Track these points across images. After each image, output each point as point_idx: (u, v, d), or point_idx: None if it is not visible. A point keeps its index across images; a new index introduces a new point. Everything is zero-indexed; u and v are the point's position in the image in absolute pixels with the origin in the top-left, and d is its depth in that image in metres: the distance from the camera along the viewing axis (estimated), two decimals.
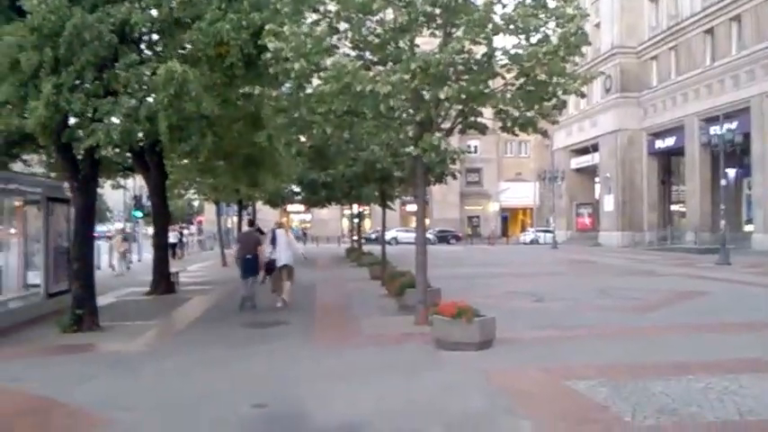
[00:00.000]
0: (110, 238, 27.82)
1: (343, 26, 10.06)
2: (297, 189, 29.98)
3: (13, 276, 12.26)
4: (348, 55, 10.04)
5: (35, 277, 12.72)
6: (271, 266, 13.41)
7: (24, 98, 9.04)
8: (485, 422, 5.67)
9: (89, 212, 11.05)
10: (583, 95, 11.01)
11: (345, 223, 55.32)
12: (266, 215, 36.57)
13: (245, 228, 18.13)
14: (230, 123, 11.09)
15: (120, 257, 23.17)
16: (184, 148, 10.94)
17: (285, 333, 10.43)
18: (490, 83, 10.45)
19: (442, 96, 9.39)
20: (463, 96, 9.63)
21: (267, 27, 9.15)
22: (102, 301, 11.46)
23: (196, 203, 44.24)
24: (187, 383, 7.29)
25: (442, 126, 10.66)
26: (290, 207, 47.19)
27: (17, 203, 12.28)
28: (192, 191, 31.01)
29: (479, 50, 9.93)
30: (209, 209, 47.51)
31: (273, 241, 13.27)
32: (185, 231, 42.96)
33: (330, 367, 7.91)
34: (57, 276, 12.86)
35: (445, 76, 9.63)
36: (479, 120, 11.04)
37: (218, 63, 9.77)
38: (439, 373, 7.46)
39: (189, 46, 9.97)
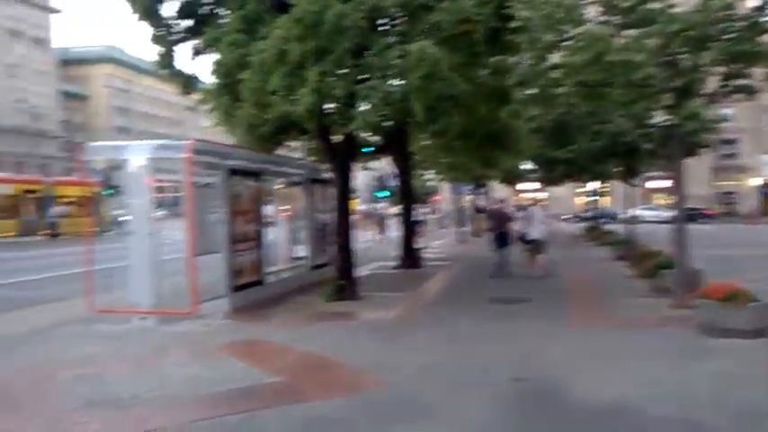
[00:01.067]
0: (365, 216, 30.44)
1: None
2: (531, 166, 29.41)
3: (283, 250, 13.73)
4: (595, 22, 9.50)
5: (300, 251, 14.10)
6: (524, 240, 14.81)
7: (291, 87, 9.93)
8: None
9: (347, 192, 11.90)
10: None
11: (579, 201, 53.16)
12: (499, 193, 36.50)
13: (495, 205, 18.68)
14: (477, 101, 11.15)
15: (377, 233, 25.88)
16: (433, 128, 11.25)
17: (533, 311, 10.31)
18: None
19: (704, 60, 8.47)
20: (727, 58, 8.61)
21: None
22: (356, 273, 12.33)
23: (432, 183, 45.67)
24: (444, 352, 7.55)
25: (703, 92, 9.63)
26: (521, 185, 46.53)
27: (285, 184, 13.69)
28: (430, 171, 32.00)
29: (744, 5, 8.78)
30: (444, 188, 48.75)
31: (527, 217, 14.80)
32: (424, 210, 44.63)
33: (586, 348, 7.64)
34: (318, 250, 14.11)
35: (707, 37, 8.67)
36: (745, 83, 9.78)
37: (462, 41, 9.85)
38: (710, 361, 6.81)
39: (432, 27, 10.16)
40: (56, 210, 33.95)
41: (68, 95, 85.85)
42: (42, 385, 6.36)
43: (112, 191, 31.54)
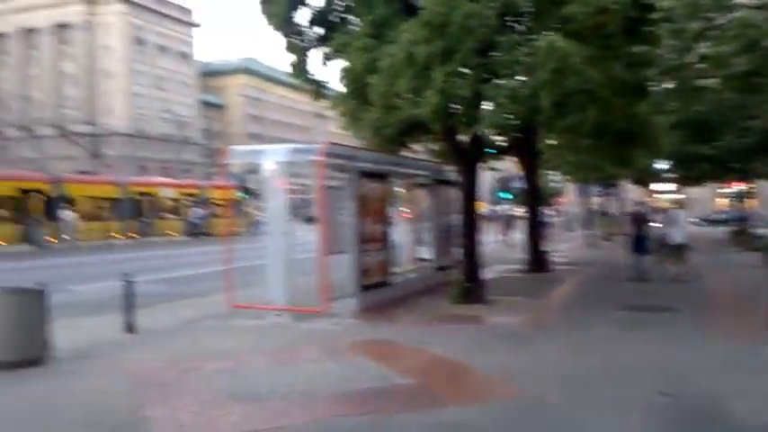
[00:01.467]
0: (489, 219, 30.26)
1: None
2: (667, 165, 27.71)
3: (408, 251, 13.78)
4: (747, 8, 8.76)
5: (423, 252, 14.10)
6: (665, 244, 14.30)
7: (418, 89, 9.94)
8: None
9: (473, 193, 11.75)
10: None
11: (721, 203, 49.47)
12: (632, 195, 34.72)
13: (632, 208, 18.06)
14: (612, 95, 10.63)
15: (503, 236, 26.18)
16: (563, 125, 10.85)
17: (675, 320, 9.65)
18: None
19: None
20: None
21: None
22: (482, 276, 12.14)
23: (556, 184, 44.23)
24: (582, 361, 7.21)
25: None
26: (655, 186, 43.98)
27: (411, 186, 13.75)
28: (554, 172, 31.03)
29: None
30: (570, 190, 47.06)
31: (670, 220, 14.38)
32: (548, 212, 43.38)
33: (736, 362, 7.00)
34: (443, 252, 14.04)
35: None
36: None
37: (594, 34, 9.42)
38: None
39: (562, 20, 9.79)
40: (198, 211, 36.35)
41: (207, 105, 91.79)
42: (188, 376, 6.74)
43: (248, 194, 33.35)
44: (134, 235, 33.10)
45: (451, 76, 9.51)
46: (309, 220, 13.24)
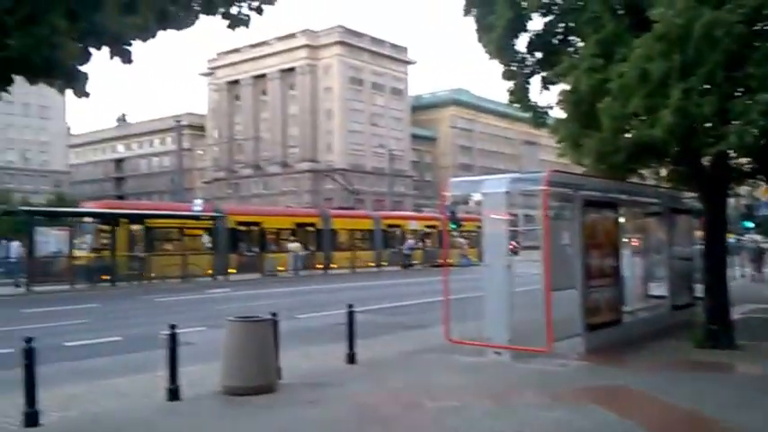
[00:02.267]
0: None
1: None
2: None
3: (638, 287, 12.58)
4: None
5: (656, 288, 12.79)
6: None
7: (652, 108, 9.07)
8: None
9: (718, 223, 10.43)
10: None
11: None
12: None
13: None
14: None
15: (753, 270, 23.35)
16: None
17: None
18: None
19: None
20: None
21: None
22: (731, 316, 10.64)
23: None
24: None
25: None
26: None
27: (640, 215, 12.62)
28: None
29: None
30: None
31: None
32: None
33: None
34: (679, 288, 12.63)
35: None
36: None
37: None
38: None
39: None
40: (410, 242, 37.42)
41: (417, 138, 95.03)
42: (413, 413, 6.60)
43: (457, 225, 33.57)
44: (384, 264, 36.14)
45: (691, 92, 8.57)
46: (514, 252, 12.68)
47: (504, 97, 12.61)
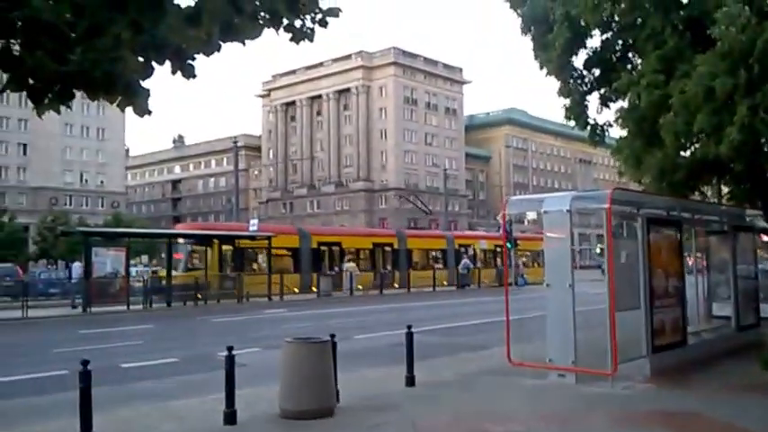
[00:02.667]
0: None
1: None
2: None
3: (700, 307, 12.22)
4: None
5: (720, 309, 12.42)
6: None
7: (718, 125, 8.92)
8: None
9: None
10: None
11: None
12: None
13: None
14: None
15: None
16: None
17: None
18: None
19: None
20: None
21: None
22: None
23: None
24: None
25: None
26: None
27: (704, 233, 12.31)
28: None
29: None
30: None
31: None
32: None
33: None
34: (745, 308, 12.22)
35: None
36: None
37: None
38: None
39: None
40: (466, 262, 37.16)
41: (471, 157, 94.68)
42: None
43: (512, 245, 33.24)
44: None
45: (758, 109, 8.42)
46: None
47: (558, 115, 12.61)
